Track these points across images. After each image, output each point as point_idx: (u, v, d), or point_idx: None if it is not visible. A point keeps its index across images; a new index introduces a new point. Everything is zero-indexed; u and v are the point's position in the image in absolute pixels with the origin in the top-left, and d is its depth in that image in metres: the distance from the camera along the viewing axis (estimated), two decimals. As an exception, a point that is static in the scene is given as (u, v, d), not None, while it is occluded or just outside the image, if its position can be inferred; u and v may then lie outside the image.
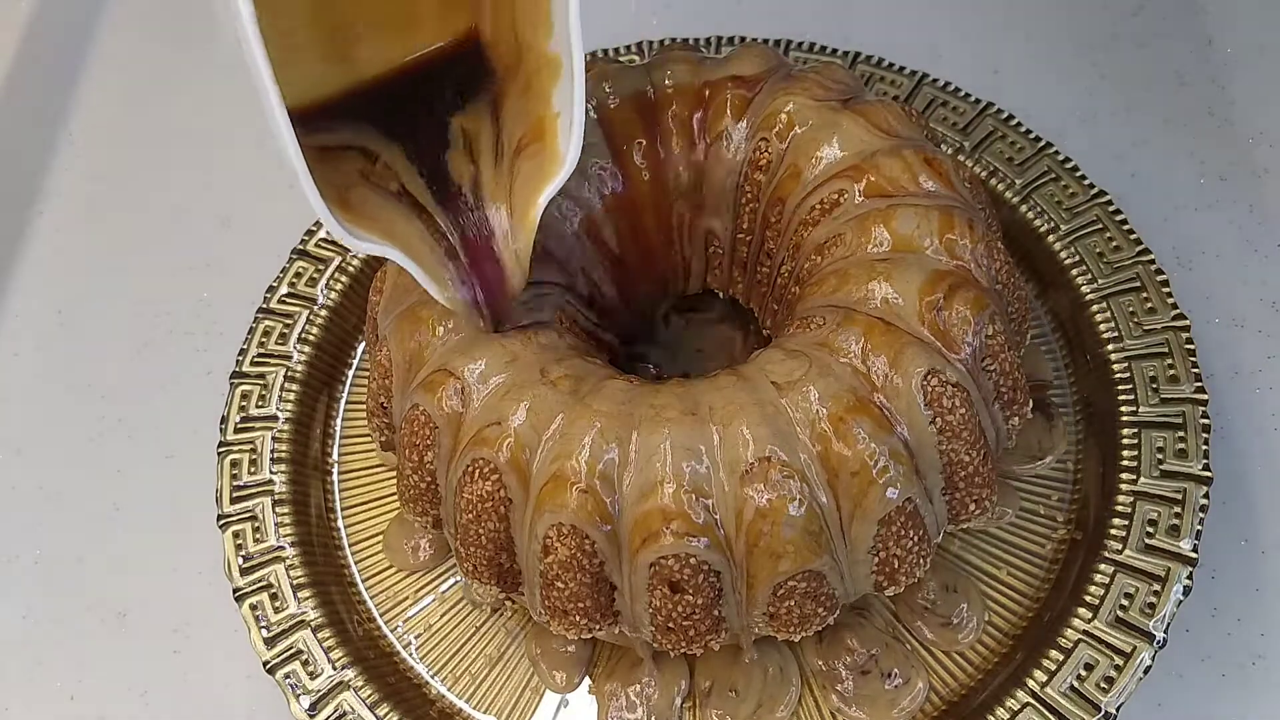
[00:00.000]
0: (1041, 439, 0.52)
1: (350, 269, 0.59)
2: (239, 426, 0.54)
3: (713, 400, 0.41)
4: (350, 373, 0.58)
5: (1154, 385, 0.51)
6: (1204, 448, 0.49)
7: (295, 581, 0.50)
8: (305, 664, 0.48)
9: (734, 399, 0.41)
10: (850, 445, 0.40)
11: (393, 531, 0.53)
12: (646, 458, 0.40)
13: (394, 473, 0.50)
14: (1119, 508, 0.48)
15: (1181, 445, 0.49)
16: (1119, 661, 0.45)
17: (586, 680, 0.48)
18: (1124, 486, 0.49)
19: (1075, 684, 0.44)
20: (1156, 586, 0.46)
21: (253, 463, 0.53)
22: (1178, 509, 0.47)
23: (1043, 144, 0.58)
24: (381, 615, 0.51)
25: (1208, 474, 0.48)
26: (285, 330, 0.57)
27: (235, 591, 0.50)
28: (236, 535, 0.51)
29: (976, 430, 0.42)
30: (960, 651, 0.48)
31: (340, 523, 0.54)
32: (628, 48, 0.64)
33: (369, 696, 0.47)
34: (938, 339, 0.42)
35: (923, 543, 0.42)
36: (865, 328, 0.42)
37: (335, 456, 0.56)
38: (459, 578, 0.51)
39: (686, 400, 0.42)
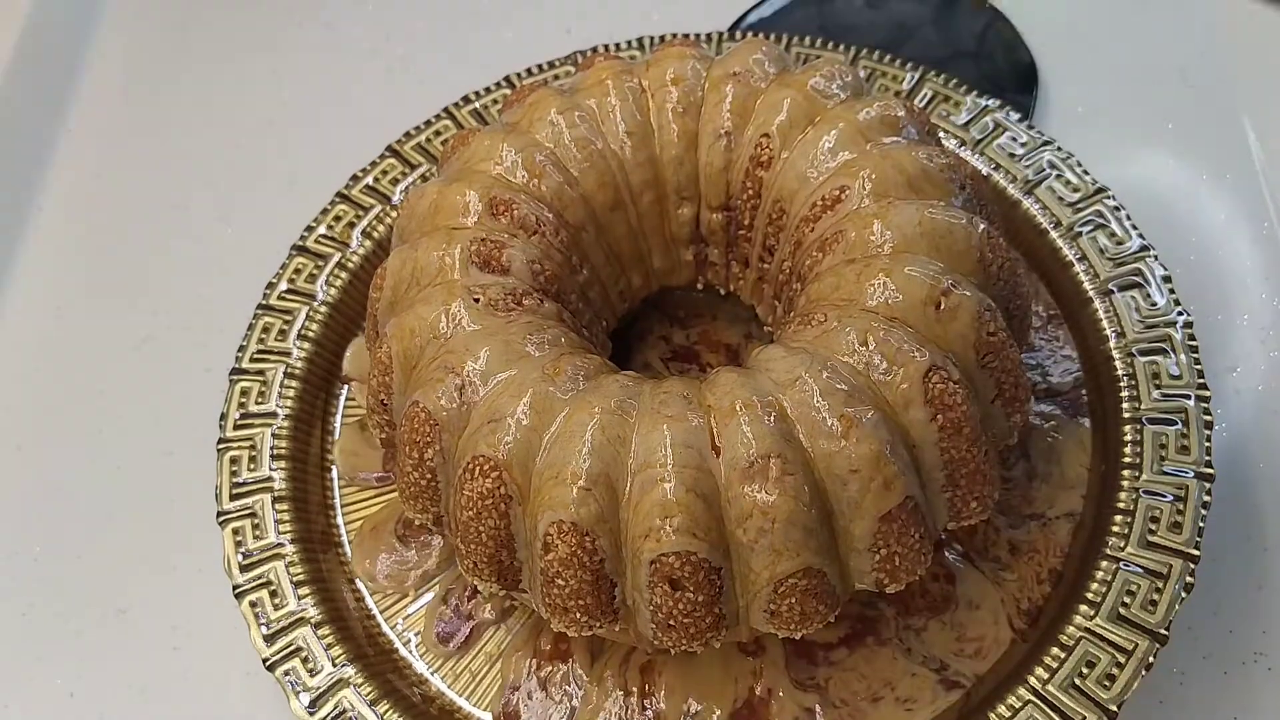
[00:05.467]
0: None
1: (350, 265, 0.59)
2: (238, 423, 0.54)
3: (713, 397, 0.41)
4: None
5: (1156, 381, 0.51)
6: (1206, 444, 0.48)
7: (295, 578, 0.50)
8: (305, 661, 0.48)
9: (735, 396, 0.41)
10: (851, 442, 0.40)
11: (356, 548, 0.52)
12: (647, 455, 0.40)
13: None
14: (1120, 504, 0.48)
15: (1184, 441, 0.49)
16: (1120, 659, 0.44)
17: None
18: (1125, 483, 0.49)
19: (1077, 681, 0.44)
20: (1158, 583, 0.46)
21: (252, 459, 0.53)
22: (1180, 505, 0.47)
23: (1045, 139, 0.58)
24: (381, 612, 0.51)
25: (1210, 470, 0.48)
26: (285, 327, 0.57)
27: (235, 588, 0.49)
28: (236, 532, 0.51)
29: (978, 427, 0.42)
30: (962, 649, 0.48)
31: (340, 519, 0.54)
32: (629, 43, 0.64)
33: (369, 694, 0.47)
34: (939, 336, 0.42)
35: (924, 540, 0.42)
36: (866, 325, 0.42)
37: (335, 453, 0.55)
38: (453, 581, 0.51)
39: (687, 397, 0.42)
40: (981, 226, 0.45)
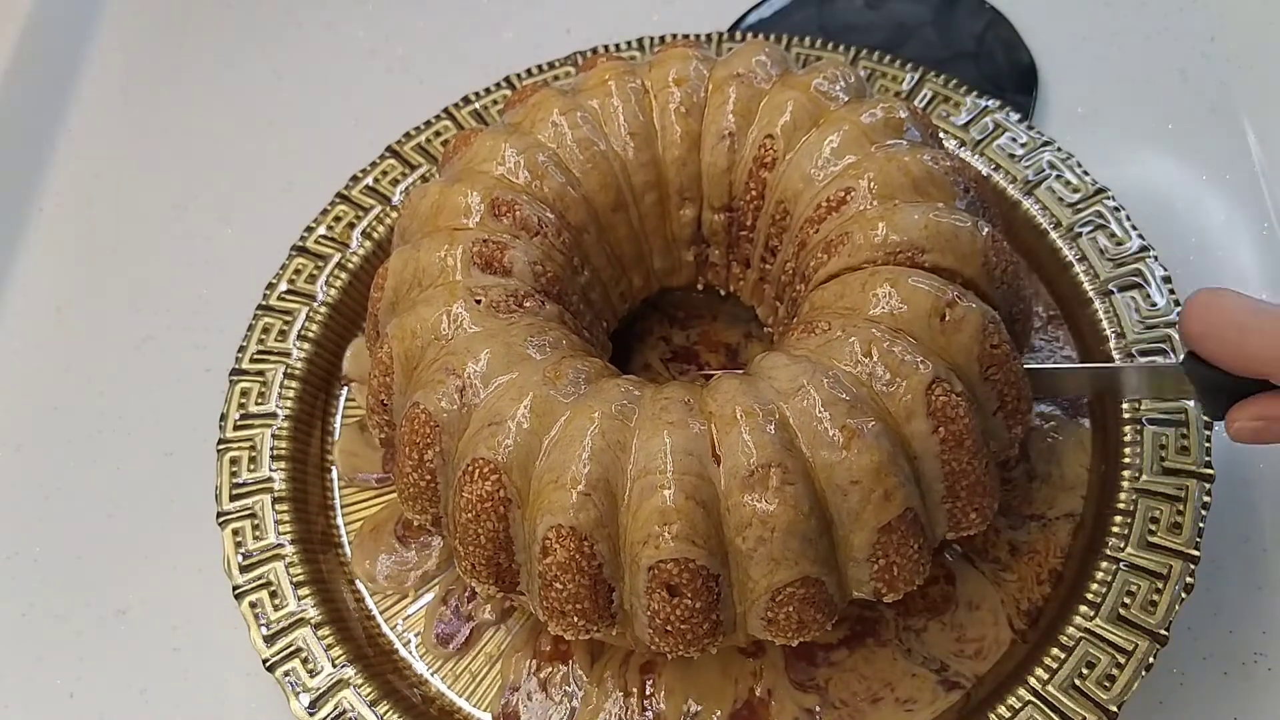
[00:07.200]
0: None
1: (350, 266, 0.59)
2: (238, 424, 0.54)
3: (715, 404, 0.41)
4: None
5: (1156, 381, 0.51)
6: (1206, 444, 0.48)
7: (295, 579, 0.50)
8: (305, 662, 0.48)
9: (736, 403, 0.41)
10: (852, 453, 0.40)
11: (356, 549, 0.53)
12: (648, 461, 0.40)
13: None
14: (1120, 504, 0.48)
15: (1184, 442, 0.49)
16: (1120, 659, 0.44)
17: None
18: (1125, 483, 0.49)
19: (1077, 682, 0.44)
20: (1158, 584, 0.46)
21: (252, 460, 0.53)
22: (1180, 506, 0.47)
23: (1044, 140, 0.58)
24: (381, 613, 0.51)
25: (1210, 471, 0.48)
26: (285, 327, 0.57)
27: (235, 589, 0.49)
28: (236, 533, 0.51)
29: (979, 440, 0.42)
30: (962, 650, 0.48)
31: (340, 520, 0.54)
32: (629, 43, 0.64)
33: (369, 694, 0.47)
34: (943, 348, 0.42)
35: (923, 550, 0.42)
36: (870, 335, 0.42)
37: (335, 454, 0.55)
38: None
39: (689, 403, 0.41)
40: (986, 229, 0.45)
